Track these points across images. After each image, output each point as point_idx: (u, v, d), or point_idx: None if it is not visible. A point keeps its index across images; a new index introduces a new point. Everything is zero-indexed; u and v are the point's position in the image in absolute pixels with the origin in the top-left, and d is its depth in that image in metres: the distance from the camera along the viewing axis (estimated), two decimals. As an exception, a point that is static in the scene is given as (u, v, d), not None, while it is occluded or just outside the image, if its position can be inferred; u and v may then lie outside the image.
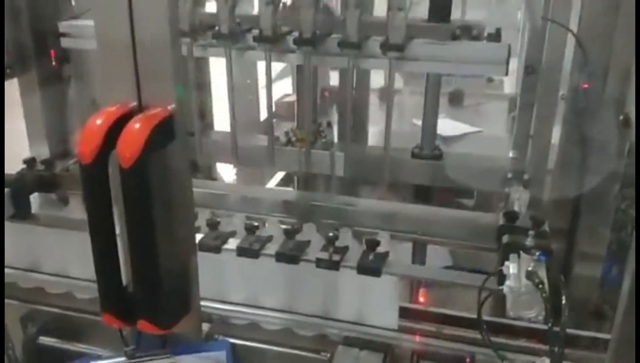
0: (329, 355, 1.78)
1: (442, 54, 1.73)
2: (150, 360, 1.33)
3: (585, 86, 1.72)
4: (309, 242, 1.79)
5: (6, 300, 1.84)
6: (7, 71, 2.05)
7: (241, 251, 1.74)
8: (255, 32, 1.74)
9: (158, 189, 1.20)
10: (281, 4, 1.74)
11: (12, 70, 2.06)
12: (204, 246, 1.73)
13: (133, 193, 1.14)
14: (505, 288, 1.45)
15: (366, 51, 1.71)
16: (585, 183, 1.81)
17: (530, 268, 1.45)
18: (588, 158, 1.79)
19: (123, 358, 1.34)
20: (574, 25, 1.71)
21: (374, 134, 2.57)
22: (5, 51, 2.02)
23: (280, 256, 1.73)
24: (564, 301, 1.50)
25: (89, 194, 1.18)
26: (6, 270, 1.97)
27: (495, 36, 2.20)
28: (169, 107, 1.17)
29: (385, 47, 1.66)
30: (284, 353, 1.84)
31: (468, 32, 2.13)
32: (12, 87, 2.14)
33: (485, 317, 1.78)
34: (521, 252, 1.53)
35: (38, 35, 2.13)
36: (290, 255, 1.73)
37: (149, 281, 1.21)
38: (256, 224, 1.81)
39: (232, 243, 1.77)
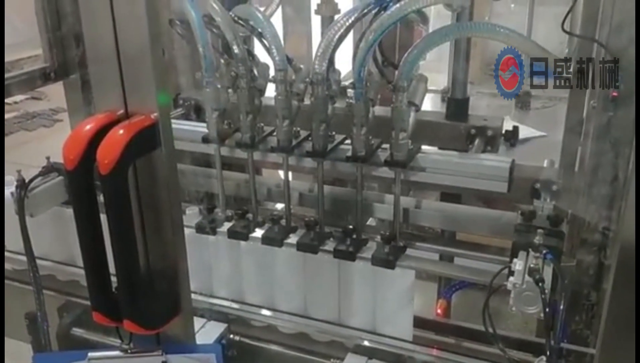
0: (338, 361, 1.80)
1: (446, 167, 1.78)
2: (143, 356, 1.38)
3: (615, 94, 1.64)
4: (330, 234, 1.86)
5: (45, 291, 1.95)
6: (52, 75, 2.18)
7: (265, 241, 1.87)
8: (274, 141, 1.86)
9: (141, 193, 1.25)
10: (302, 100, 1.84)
11: (55, 75, 2.19)
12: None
13: (112, 198, 1.18)
14: (508, 284, 1.48)
15: (374, 161, 1.78)
16: (616, 195, 1.72)
17: (532, 265, 1.45)
18: (619, 169, 1.70)
19: (118, 352, 1.39)
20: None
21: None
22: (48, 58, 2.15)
23: (301, 246, 1.82)
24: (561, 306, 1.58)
25: (75, 199, 1.24)
26: (45, 263, 2.10)
27: (513, 134, 2.35)
28: (152, 116, 1.21)
29: (390, 163, 1.73)
30: (297, 358, 1.87)
31: (483, 132, 2.23)
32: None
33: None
34: (530, 250, 1.53)
35: (80, 40, 2.24)
36: (310, 245, 1.82)
37: (131, 282, 1.25)
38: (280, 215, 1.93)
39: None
